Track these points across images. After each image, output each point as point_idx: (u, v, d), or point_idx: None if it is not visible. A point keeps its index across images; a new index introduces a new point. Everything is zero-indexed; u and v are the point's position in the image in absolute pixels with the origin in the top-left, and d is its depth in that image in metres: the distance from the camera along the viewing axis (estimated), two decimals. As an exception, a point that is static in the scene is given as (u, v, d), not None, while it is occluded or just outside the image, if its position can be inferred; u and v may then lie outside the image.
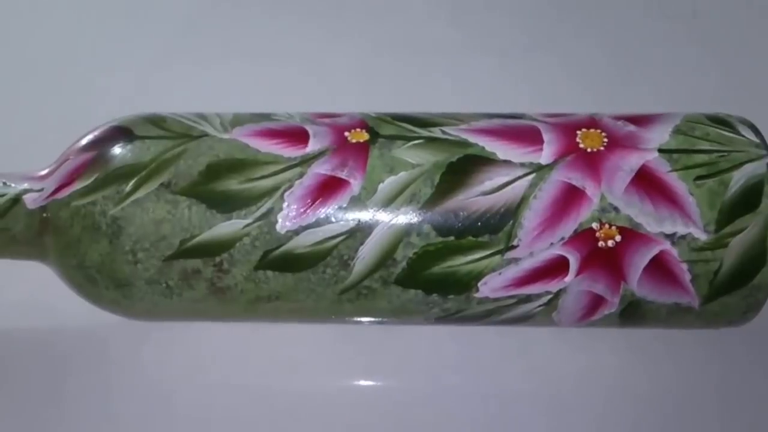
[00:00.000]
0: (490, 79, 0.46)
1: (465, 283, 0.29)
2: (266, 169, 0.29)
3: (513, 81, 0.46)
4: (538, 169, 0.29)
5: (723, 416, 0.33)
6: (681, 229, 0.28)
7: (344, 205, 0.29)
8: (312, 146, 0.30)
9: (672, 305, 0.30)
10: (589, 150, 0.30)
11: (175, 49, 0.48)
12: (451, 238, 0.29)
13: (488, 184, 0.29)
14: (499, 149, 0.30)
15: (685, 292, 0.29)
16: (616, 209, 0.29)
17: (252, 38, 0.48)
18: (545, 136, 0.30)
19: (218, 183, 0.29)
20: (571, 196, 0.29)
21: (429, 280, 0.29)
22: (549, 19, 0.49)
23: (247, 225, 0.29)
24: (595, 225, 0.29)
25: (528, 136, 0.30)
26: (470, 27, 0.48)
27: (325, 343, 0.35)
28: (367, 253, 0.29)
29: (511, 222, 0.29)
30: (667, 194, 0.29)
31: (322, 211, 0.29)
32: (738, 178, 0.29)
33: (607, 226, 0.29)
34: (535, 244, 0.29)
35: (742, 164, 0.29)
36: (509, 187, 0.29)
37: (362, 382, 0.35)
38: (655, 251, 0.29)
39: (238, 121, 0.32)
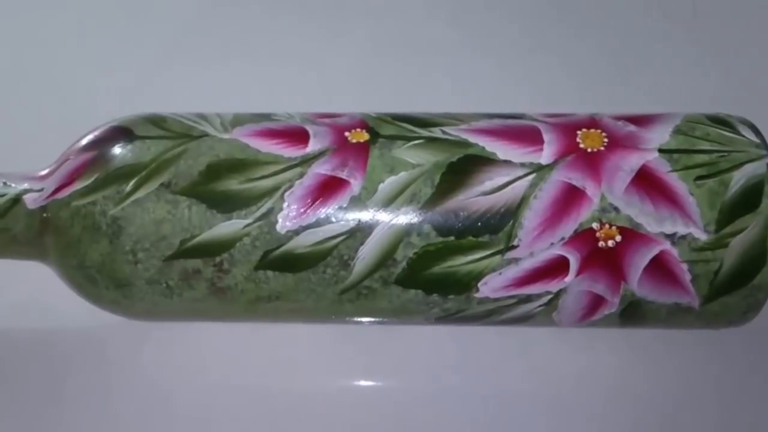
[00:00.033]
0: (491, 79, 0.46)
1: (465, 283, 0.29)
2: (266, 169, 0.29)
3: (513, 81, 0.46)
4: (539, 169, 0.29)
5: (723, 416, 0.33)
6: (681, 229, 0.28)
7: (344, 205, 0.29)
8: (312, 146, 0.30)
9: (672, 305, 0.30)
10: (589, 150, 0.30)
11: (175, 49, 0.48)
12: (452, 238, 0.29)
13: (488, 184, 0.29)
14: (500, 149, 0.30)
15: (685, 292, 0.29)
16: (616, 209, 0.29)
17: (252, 38, 0.48)
18: (545, 136, 0.30)
19: (218, 183, 0.29)
20: (571, 196, 0.29)
21: (429, 280, 0.29)
22: (549, 19, 0.49)
23: (248, 225, 0.29)
24: (595, 225, 0.29)
25: (528, 136, 0.30)
26: (470, 27, 0.48)
27: (325, 343, 0.35)
28: (367, 253, 0.29)
29: (512, 222, 0.29)
30: (668, 194, 0.29)
31: (323, 211, 0.29)
32: (738, 178, 0.29)
33: (607, 226, 0.29)
34: (535, 244, 0.29)
35: (742, 164, 0.29)
36: (509, 187, 0.29)
37: (362, 382, 0.35)
38: (655, 251, 0.29)
39: (238, 121, 0.32)
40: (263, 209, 0.29)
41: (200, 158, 0.30)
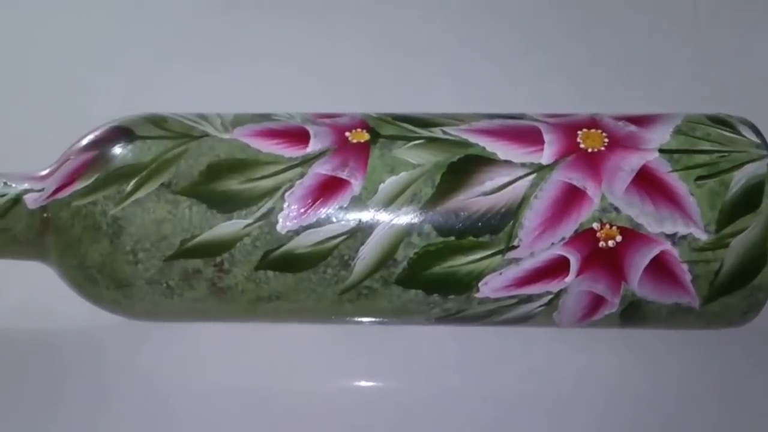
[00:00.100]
0: (491, 80, 0.46)
1: (466, 283, 0.29)
2: (267, 169, 0.29)
3: (513, 81, 0.46)
4: (539, 169, 0.29)
5: (723, 416, 0.33)
6: (682, 230, 0.28)
7: (345, 205, 0.29)
8: (313, 146, 0.30)
9: (672, 305, 0.30)
10: (589, 150, 0.30)
11: (175, 49, 0.48)
12: (452, 238, 0.29)
13: (489, 185, 0.29)
14: (500, 149, 0.30)
15: (685, 293, 0.29)
16: (616, 209, 0.29)
17: (252, 38, 0.48)
18: (546, 137, 0.30)
19: (219, 183, 0.29)
20: (571, 197, 0.29)
21: (430, 280, 0.29)
22: (549, 20, 0.49)
23: (248, 225, 0.29)
24: (595, 225, 0.29)
25: (529, 136, 0.30)
26: (471, 27, 0.48)
27: (325, 343, 0.35)
28: (367, 253, 0.29)
29: (512, 222, 0.29)
30: (668, 194, 0.29)
31: (323, 211, 0.29)
32: (739, 179, 0.29)
33: (607, 226, 0.29)
34: (535, 244, 0.29)
35: (742, 164, 0.29)
36: (510, 187, 0.29)
37: (363, 383, 0.35)
38: (655, 251, 0.29)
39: (238, 121, 0.32)
40: (264, 209, 0.29)
41: (201, 158, 0.30)
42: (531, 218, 0.29)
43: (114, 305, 0.32)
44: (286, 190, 0.29)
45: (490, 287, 0.29)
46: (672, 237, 0.28)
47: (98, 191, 0.30)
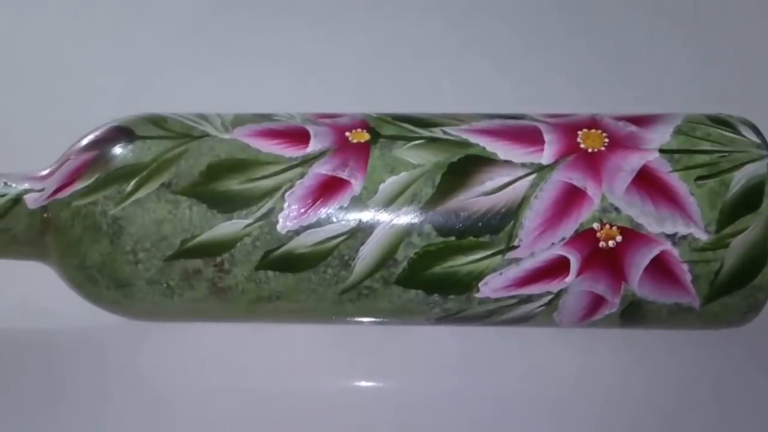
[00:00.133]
0: (491, 80, 0.46)
1: (466, 284, 0.29)
2: (267, 169, 0.29)
3: (513, 81, 0.46)
4: (539, 169, 0.29)
5: (723, 416, 0.33)
6: (682, 230, 0.28)
7: (345, 205, 0.29)
8: (313, 146, 0.30)
9: (673, 306, 0.30)
10: (590, 150, 0.30)
11: (175, 49, 0.48)
12: (452, 238, 0.29)
13: (489, 185, 0.29)
14: (500, 149, 0.30)
15: (685, 293, 0.29)
16: (617, 209, 0.29)
17: (252, 38, 0.48)
18: (546, 137, 0.30)
19: (219, 183, 0.29)
20: (572, 197, 0.29)
21: (430, 280, 0.29)
22: (549, 20, 0.49)
23: (248, 225, 0.29)
24: (596, 225, 0.29)
25: (529, 136, 0.30)
26: (471, 27, 0.48)
27: (325, 343, 0.35)
28: (368, 253, 0.29)
29: (512, 222, 0.29)
30: (668, 194, 0.29)
31: (323, 211, 0.29)
32: (739, 179, 0.29)
33: (608, 226, 0.29)
34: (536, 244, 0.29)
35: (743, 164, 0.29)
36: (510, 188, 0.29)
37: (363, 383, 0.35)
38: (656, 251, 0.29)
39: (239, 121, 0.32)
40: (264, 209, 0.29)
41: (201, 158, 0.30)
42: (531, 218, 0.29)
43: (114, 305, 0.32)
44: (286, 190, 0.29)
45: (491, 287, 0.29)
46: (672, 237, 0.28)
47: (98, 191, 0.30)
